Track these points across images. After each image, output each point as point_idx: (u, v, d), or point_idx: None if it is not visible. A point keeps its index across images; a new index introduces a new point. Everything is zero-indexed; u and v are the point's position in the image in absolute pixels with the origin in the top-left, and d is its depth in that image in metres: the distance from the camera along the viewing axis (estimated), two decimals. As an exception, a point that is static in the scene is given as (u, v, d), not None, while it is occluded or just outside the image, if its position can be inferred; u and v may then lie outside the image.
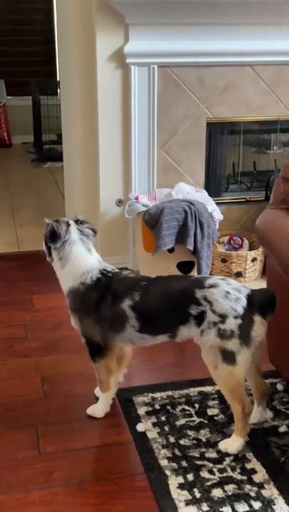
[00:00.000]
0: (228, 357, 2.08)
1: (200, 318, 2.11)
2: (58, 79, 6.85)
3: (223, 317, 2.07)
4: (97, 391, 2.43)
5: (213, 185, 3.80)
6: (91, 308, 2.23)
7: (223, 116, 3.63)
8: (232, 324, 2.06)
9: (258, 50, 3.49)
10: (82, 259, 2.26)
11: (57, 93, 6.45)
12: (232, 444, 2.15)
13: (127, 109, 3.48)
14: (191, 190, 3.50)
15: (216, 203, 3.51)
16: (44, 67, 7.47)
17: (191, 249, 3.21)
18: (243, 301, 2.08)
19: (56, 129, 6.31)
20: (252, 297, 2.10)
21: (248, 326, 2.08)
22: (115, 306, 2.20)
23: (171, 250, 3.26)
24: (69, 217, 2.35)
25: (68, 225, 2.28)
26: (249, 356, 2.10)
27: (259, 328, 2.10)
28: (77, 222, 2.32)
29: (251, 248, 3.67)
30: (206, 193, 3.56)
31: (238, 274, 3.53)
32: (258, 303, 2.09)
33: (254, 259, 3.55)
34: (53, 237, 2.25)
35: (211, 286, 2.12)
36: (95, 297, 2.22)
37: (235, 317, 2.07)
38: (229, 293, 2.09)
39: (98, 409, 2.36)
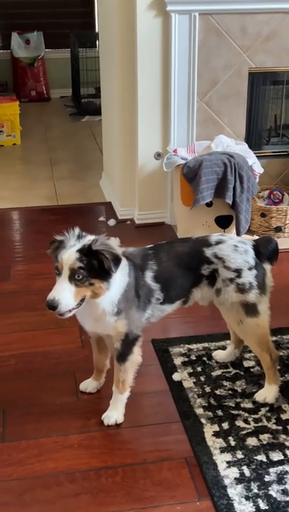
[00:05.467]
0: (251, 309, 2.09)
1: (211, 278, 2.10)
2: (96, 30, 6.75)
3: (238, 271, 2.07)
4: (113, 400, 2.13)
5: (253, 138, 3.72)
6: (134, 294, 2.02)
7: (265, 66, 3.52)
8: (249, 276, 2.07)
9: (304, -5, 3.36)
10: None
11: (96, 45, 6.35)
12: (269, 393, 2.17)
13: (166, 59, 3.41)
14: (231, 143, 3.44)
15: (257, 156, 3.43)
16: (83, 18, 7.36)
17: (230, 203, 3.16)
18: (251, 252, 2.10)
19: (95, 83, 6.24)
20: (258, 247, 2.12)
21: (262, 274, 2.10)
22: (144, 281, 2.05)
23: (209, 204, 3.23)
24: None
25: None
26: (268, 303, 2.12)
27: (270, 274, 2.13)
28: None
29: (292, 203, 3.61)
30: (246, 145, 3.49)
31: (278, 229, 3.48)
32: (264, 251, 2.12)
33: (294, 214, 3.49)
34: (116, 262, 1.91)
35: (218, 242, 2.11)
36: (133, 280, 2.02)
37: (250, 268, 2.08)
38: (237, 246, 2.10)
39: (119, 415, 2.11)
